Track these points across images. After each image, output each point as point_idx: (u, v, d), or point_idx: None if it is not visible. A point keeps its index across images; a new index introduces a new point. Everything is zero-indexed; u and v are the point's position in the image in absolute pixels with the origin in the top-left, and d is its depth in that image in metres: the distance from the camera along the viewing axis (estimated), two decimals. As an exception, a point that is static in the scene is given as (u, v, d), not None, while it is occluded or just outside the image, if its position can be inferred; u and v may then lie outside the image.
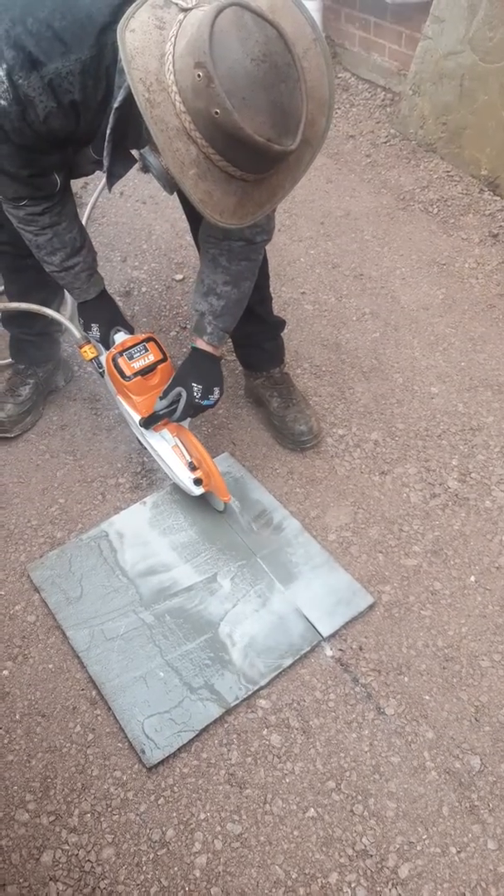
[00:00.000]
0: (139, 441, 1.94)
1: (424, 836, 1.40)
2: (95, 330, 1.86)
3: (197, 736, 1.53)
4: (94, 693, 1.61)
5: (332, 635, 1.67)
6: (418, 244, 2.76)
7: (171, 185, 1.34)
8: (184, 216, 1.88)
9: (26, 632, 1.72)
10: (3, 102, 1.31)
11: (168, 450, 1.84)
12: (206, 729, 1.54)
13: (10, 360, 2.21)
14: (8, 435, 2.12)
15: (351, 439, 2.09)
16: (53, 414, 2.21)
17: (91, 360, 1.87)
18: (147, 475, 2.02)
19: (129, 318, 1.89)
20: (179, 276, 2.67)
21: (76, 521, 1.94)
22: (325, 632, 1.66)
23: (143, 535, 1.87)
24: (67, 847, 1.41)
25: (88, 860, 1.39)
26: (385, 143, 3.31)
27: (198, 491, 1.80)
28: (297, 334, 2.41)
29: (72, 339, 1.93)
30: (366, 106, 3.57)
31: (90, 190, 2.94)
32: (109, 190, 1.55)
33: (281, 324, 2.10)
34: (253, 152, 1.14)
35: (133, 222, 2.93)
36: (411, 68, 3.21)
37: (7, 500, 1.99)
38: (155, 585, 1.77)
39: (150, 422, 1.80)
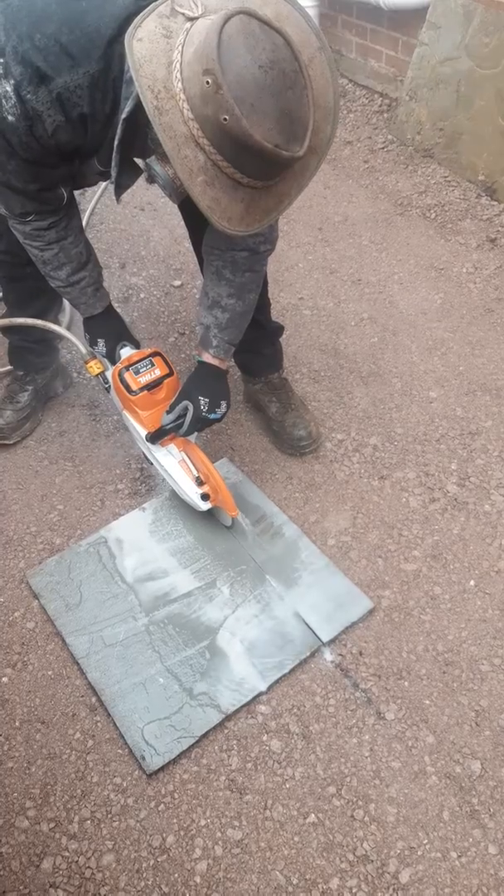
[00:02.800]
0: (146, 457, 1.93)
1: (425, 841, 1.40)
2: (101, 345, 1.85)
3: (197, 742, 1.52)
4: (93, 699, 1.61)
5: (332, 640, 1.67)
6: (416, 249, 2.77)
7: (177, 193, 1.34)
8: (182, 222, 1.89)
9: (25, 638, 1.72)
10: (10, 118, 1.32)
11: (175, 465, 1.82)
12: (206, 735, 1.53)
13: (9, 366, 2.22)
14: (7, 441, 2.12)
15: (350, 444, 2.10)
16: (52, 420, 2.22)
17: (97, 375, 1.87)
18: (146, 481, 2.02)
19: (128, 324, 1.89)
20: (178, 282, 2.67)
21: (75, 527, 1.94)
22: (325, 637, 1.66)
23: (142, 541, 1.87)
24: (67, 854, 1.40)
25: (89, 867, 1.39)
26: (382, 148, 3.32)
27: (205, 506, 1.78)
28: (295, 339, 2.42)
29: (77, 354, 1.92)
30: (363, 112, 3.58)
31: (88, 196, 2.95)
32: (118, 201, 1.55)
33: (279, 329, 2.11)
34: (261, 158, 1.15)
35: (131, 228, 2.94)
36: (408, 74, 3.22)
37: (6, 507, 1.99)
38: (154, 591, 1.77)
39: (156, 436, 1.79)
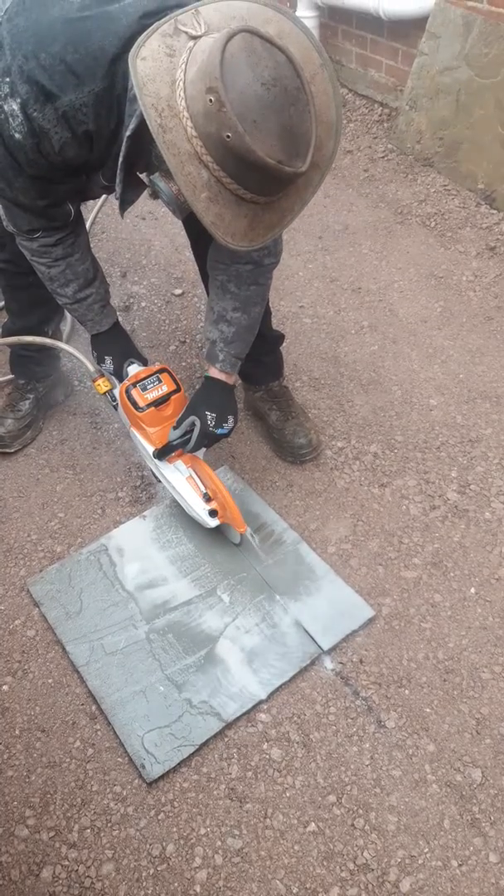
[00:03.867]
0: (154, 474, 1.93)
1: (426, 850, 1.39)
2: (109, 363, 1.86)
3: (197, 750, 1.52)
4: (93, 708, 1.61)
5: (333, 648, 1.67)
6: (416, 257, 2.78)
7: (181, 209, 1.35)
8: (183, 231, 1.89)
9: (26, 647, 1.72)
10: (17, 136, 1.33)
11: (182, 481, 1.81)
12: (206, 743, 1.53)
13: (10, 375, 2.22)
14: (8, 450, 2.13)
15: (350, 452, 2.10)
16: (53, 428, 2.22)
17: (105, 393, 1.86)
18: (146, 489, 2.03)
19: (129, 332, 1.89)
20: (179, 291, 2.68)
21: (76, 535, 1.94)
22: (326, 645, 1.66)
23: (143, 549, 1.87)
24: (67, 863, 1.40)
25: (88, 876, 1.38)
26: (382, 157, 3.33)
27: (213, 523, 1.76)
28: (295, 347, 2.42)
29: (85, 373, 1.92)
30: (363, 121, 3.60)
31: (90, 206, 2.96)
32: (122, 216, 1.56)
33: (280, 337, 2.11)
34: (264, 175, 1.16)
35: (132, 238, 2.95)
36: (408, 84, 3.24)
37: (7, 515, 2.00)
38: (154, 599, 1.77)
39: (164, 452, 1.78)
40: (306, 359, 2.39)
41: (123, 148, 1.32)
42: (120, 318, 1.92)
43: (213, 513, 1.76)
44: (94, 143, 1.36)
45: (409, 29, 3.23)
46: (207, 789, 1.48)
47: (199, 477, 1.80)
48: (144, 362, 1.89)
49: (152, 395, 1.78)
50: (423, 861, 1.38)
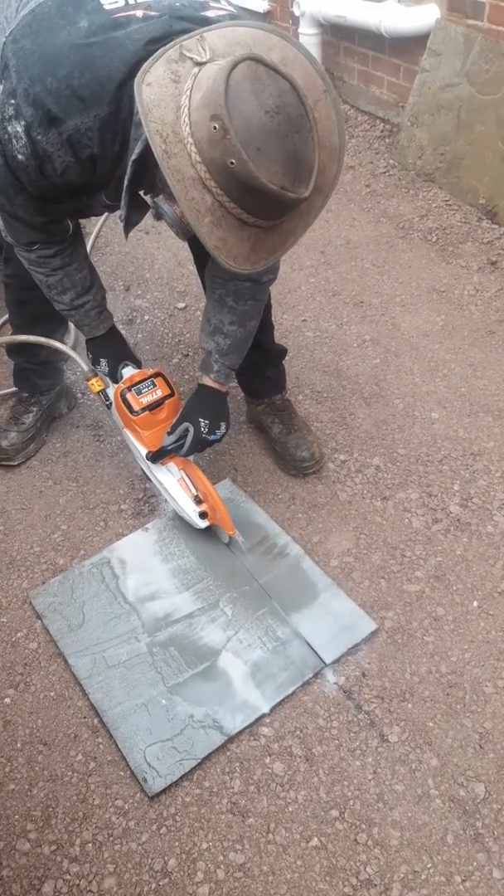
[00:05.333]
0: (145, 473, 1.95)
1: (429, 865, 1.39)
2: (104, 364, 1.88)
3: (199, 764, 1.52)
4: (95, 721, 1.60)
5: (335, 662, 1.67)
6: (418, 272, 2.80)
7: (184, 231, 1.36)
8: (186, 246, 1.91)
9: (28, 659, 1.72)
10: (20, 157, 1.34)
11: (174, 483, 1.84)
12: (208, 757, 1.53)
13: (13, 388, 2.23)
14: (11, 463, 2.14)
15: (352, 465, 2.10)
16: (56, 441, 2.23)
17: (98, 392, 1.90)
18: (149, 501, 2.03)
19: (132, 346, 1.91)
20: (182, 305, 2.70)
21: (78, 547, 1.94)
22: (328, 658, 1.66)
23: (145, 562, 1.87)
24: (69, 877, 1.39)
25: (90, 890, 1.37)
26: (384, 173, 3.36)
27: (203, 524, 1.81)
28: (298, 361, 2.43)
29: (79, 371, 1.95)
30: (365, 137, 3.63)
31: (94, 220, 2.99)
32: (126, 238, 1.57)
33: (282, 352, 2.12)
34: (267, 200, 1.17)
35: (136, 251, 2.97)
36: (409, 100, 3.27)
37: (10, 527, 2.00)
38: (157, 612, 1.77)
39: (157, 457, 1.81)
40: (309, 372, 2.40)
41: (128, 172, 1.33)
42: (123, 332, 1.94)
43: (203, 515, 1.80)
44: (98, 166, 1.37)
45: (410, 46, 3.26)
46: (210, 803, 1.48)
47: (190, 479, 1.84)
48: (138, 364, 1.92)
49: (147, 399, 1.82)
50: (426, 876, 1.37)
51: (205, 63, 1.18)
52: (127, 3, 1.32)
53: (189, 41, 1.20)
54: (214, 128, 1.12)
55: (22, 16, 1.37)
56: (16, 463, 2.14)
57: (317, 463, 2.06)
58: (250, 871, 1.39)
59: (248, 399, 2.18)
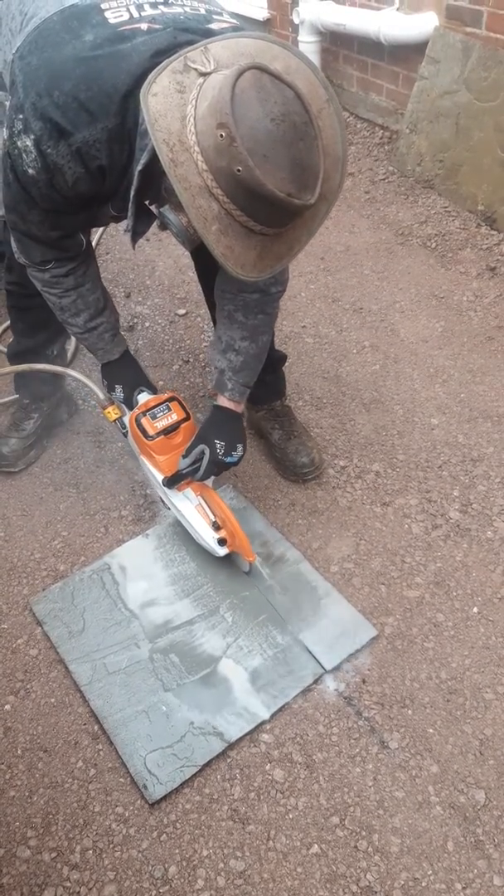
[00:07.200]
0: (163, 502, 1.93)
1: (430, 872, 1.38)
2: (119, 391, 1.86)
3: (199, 771, 1.52)
4: (95, 727, 1.60)
5: (335, 668, 1.67)
6: (417, 278, 2.80)
7: (190, 241, 1.36)
8: (187, 252, 1.91)
9: (28, 665, 1.72)
10: (31, 171, 1.35)
11: (192, 509, 1.81)
12: (208, 764, 1.53)
13: (14, 395, 2.24)
14: (12, 469, 2.14)
15: (352, 471, 2.11)
16: (57, 447, 2.23)
17: (114, 421, 1.88)
18: (149, 507, 2.03)
19: (133, 352, 1.91)
20: (182, 311, 2.70)
21: (79, 553, 1.94)
22: (328, 665, 1.66)
23: (146, 568, 1.87)
24: (69, 884, 1.39)
25: (90, 898, 1.37)
26: (383, 179, 3.37)
27: (222, 551, 1.77)
28: (297, 367, 2.44)
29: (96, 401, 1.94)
30: (364, 144, 3.64)
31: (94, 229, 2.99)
32: (133, 247, 1.57)
33: (282, 358, 2.13)
34: (274, 207, 1.18)
35: (136, 258, 2.98)
36: (408, 107, 3.28)
37: (11, 534, 2.00)
38: (157, 618, 1.77)
39: (173, 481, 1.78)
40: (308, 378, 2.41)
41: (135, 181, 1.34)
42: (124, 337, 1.94)
43: (222, 541, 1.77)
44: (107, 176, 1.38)
45: (409, 53, 3.28)
46: (210, 810, 1.48)
47: (208, 505, 1.81)
48: (154, 390, 1.89)
49: (162, 423, 1.78)
50: (426, 884, 1.37)
51: (209, 73, 1.19)
52: (132, 16, 1.34)
53: (193, 52, 1.21)
54: (221, 136, 1.12)
55: (27, 31, 1.39)
56: (17, 469, 2.15)
57: (316, 469, 2.06)
58: (251, 878, 1.39)
59: (248, 405, 2.17)
